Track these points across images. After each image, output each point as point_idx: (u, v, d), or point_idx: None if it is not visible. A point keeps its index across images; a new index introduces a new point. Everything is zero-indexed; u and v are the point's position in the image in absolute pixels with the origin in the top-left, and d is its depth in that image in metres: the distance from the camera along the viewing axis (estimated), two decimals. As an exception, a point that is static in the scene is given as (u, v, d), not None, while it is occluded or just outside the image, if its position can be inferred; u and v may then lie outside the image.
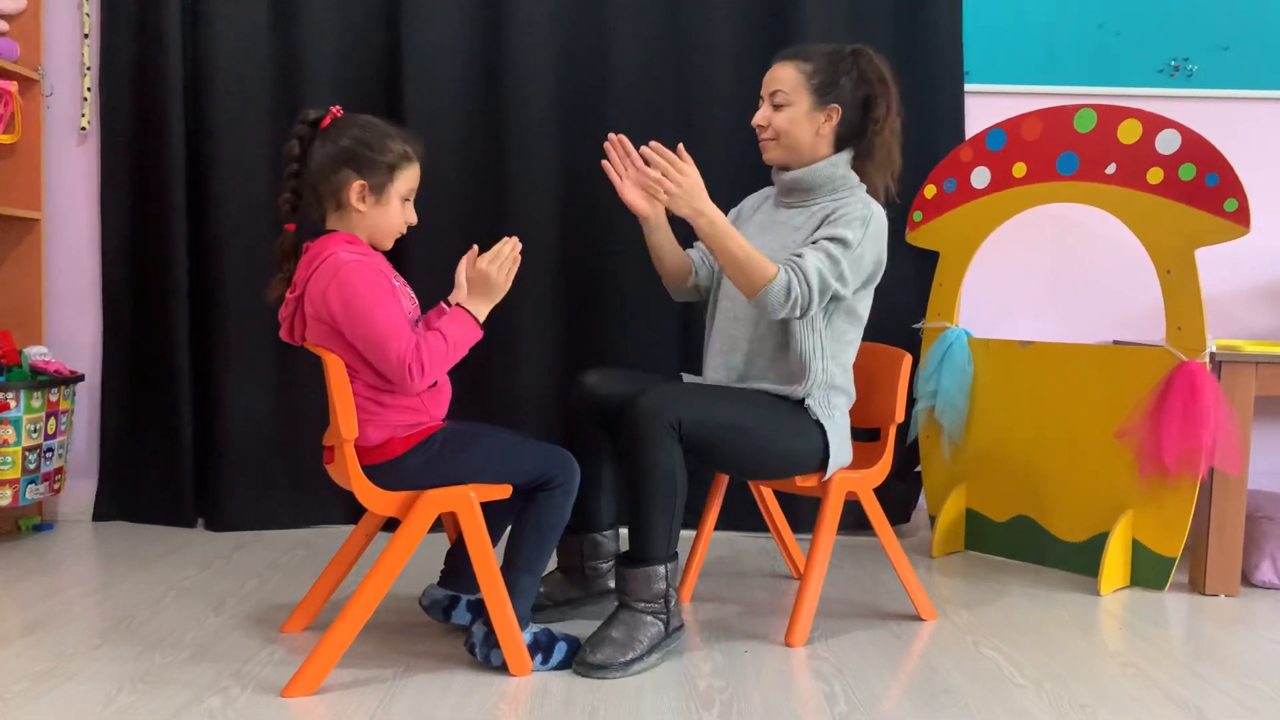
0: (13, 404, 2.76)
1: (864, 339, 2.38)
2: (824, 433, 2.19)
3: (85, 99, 3.14)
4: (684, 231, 2.37)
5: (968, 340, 3.00)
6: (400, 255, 2.90)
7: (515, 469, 2.01)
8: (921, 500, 3.21)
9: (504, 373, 3.10)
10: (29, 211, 3.04)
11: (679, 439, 2.04)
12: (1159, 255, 2.65)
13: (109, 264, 3.14)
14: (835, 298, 2.16)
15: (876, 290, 2.30)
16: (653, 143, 2.11)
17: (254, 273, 2.97)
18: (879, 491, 2.38)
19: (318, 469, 2.89)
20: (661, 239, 2.36)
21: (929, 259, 3.11)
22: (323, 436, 2.09)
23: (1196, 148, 2.58)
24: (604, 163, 2.30)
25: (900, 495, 3.18)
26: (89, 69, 3.13)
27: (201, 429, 3.12)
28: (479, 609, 2.00)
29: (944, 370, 2.98)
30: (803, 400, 2.20)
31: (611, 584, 2.30)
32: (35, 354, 2.94)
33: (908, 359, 2.37)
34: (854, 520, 2.96)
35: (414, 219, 2.02)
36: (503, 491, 2.01)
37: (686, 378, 2.42)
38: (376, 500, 1.94)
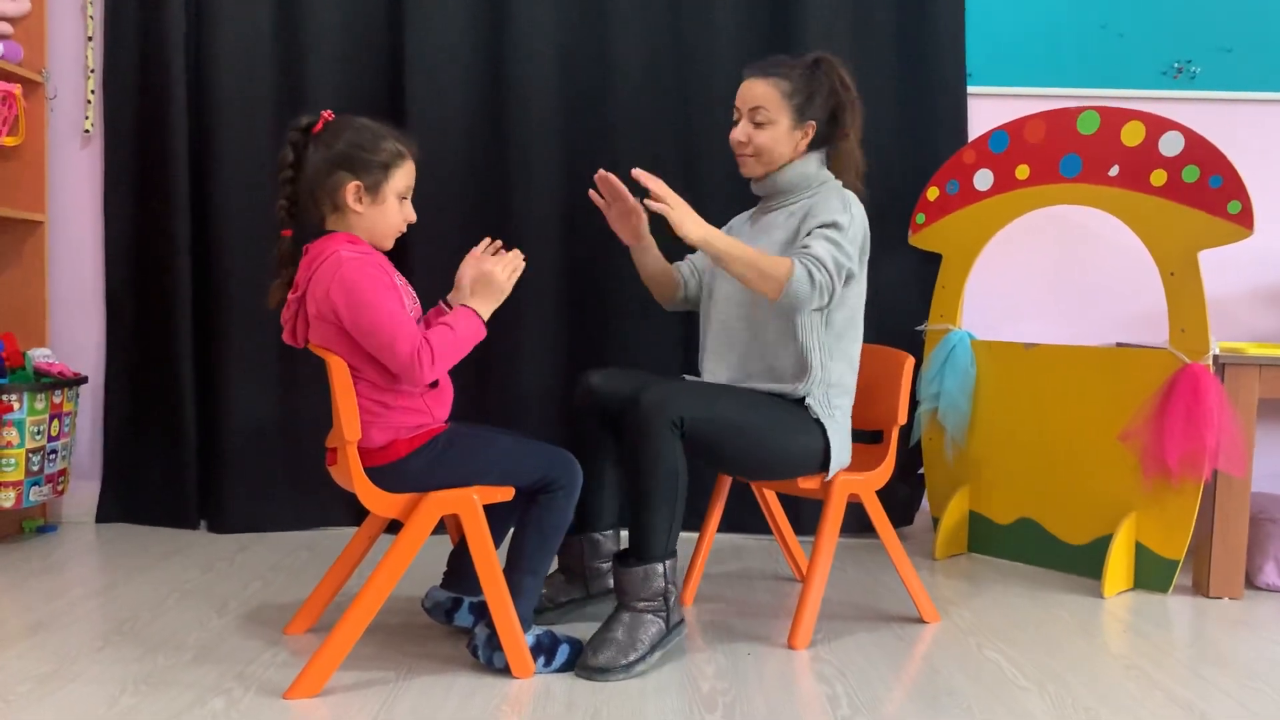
0: (16, 406, 2.76)
1: (867, 341, 2.38)
2: (824, 432, 2.19)
3: (89, 102, 3.15)
4: (670, 250, 2.40)
5: (971, 342, 2.99)
6: (402, 255, 2.90)
7: (518, 471, 2.01)
8: (924, 502, 3.21)
9: (506, 373, 3.10)
10: (32, 214, 3.05)
11: (681, 436, 2.04)
12: (1162, 257, 2.64)
13: (112, 266, 3.15)
14: (849, 276, 2.19)
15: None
16: (635, 170, 2.13)
17: (257, 275, 2.97)
18: (882, 494, 2.38)
19: (320, 471, 2.89)
20: (650, 259, 2.44)
21: (932, 261, 3.11)
22: (325, 438, 2.10)
23: (1200, 150, 2.58)
24: (591, 193, 2.37)
25: (903, 497, 3.17)
26: (93, 72, 3.14)
27: (204, 431, 3.13)
28: (482, 611, 2.00)
29: (947, 372, 2.98)
30: (803, 399, 2.20)
31: (611, 584, 2.30)
32: (39, 356, 2.94)
33: (910, 361, 2.37)
34: (857, 522, 2.96)
35: (413, 217, 2.02)
36: (505, 493, 2.01)
37: (688, 379, 2.42)
38: (379, 502, 1.94)
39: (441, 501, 1.95)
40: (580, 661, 2.01)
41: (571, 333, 3.16)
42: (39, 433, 2.83)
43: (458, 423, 2.07)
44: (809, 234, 2.17)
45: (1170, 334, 2.61)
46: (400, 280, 1.98)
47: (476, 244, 3.04)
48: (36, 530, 3.06)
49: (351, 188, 1.93)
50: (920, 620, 2.39)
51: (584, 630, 2.15)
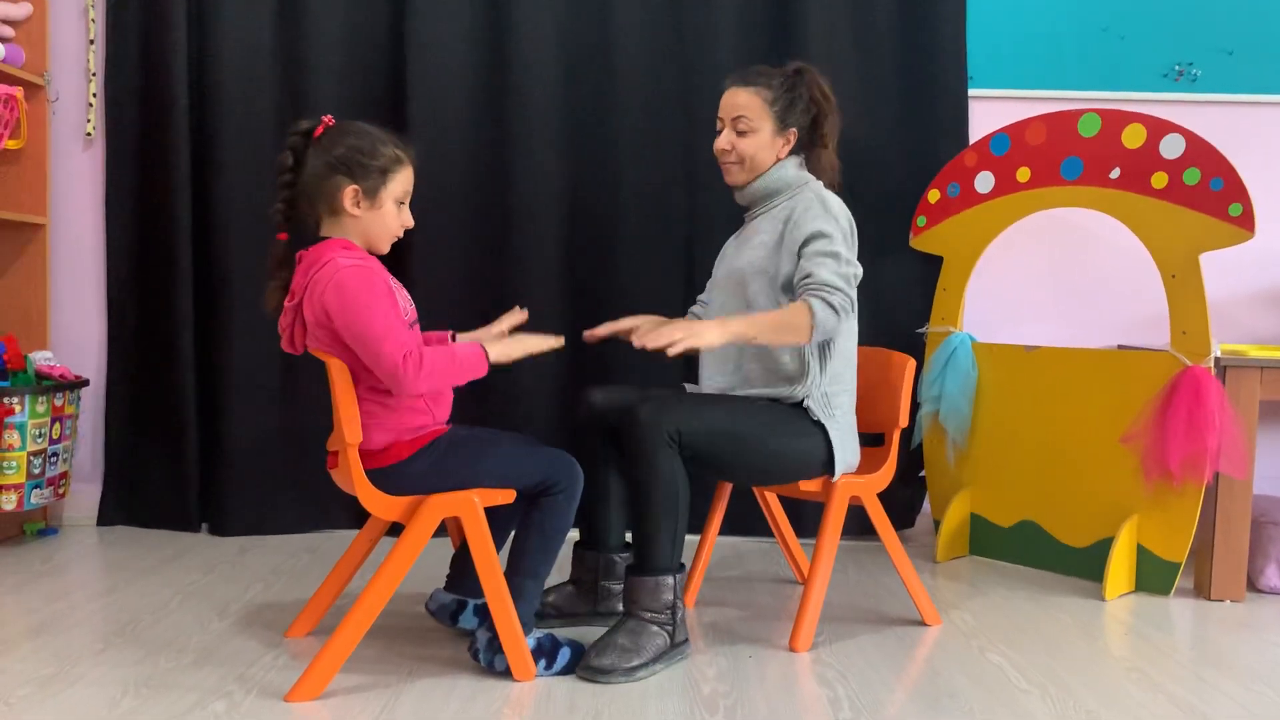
0: (18, 409, 2.77)
1: (867, 344, 2.38)
2: (825, 434, 2.19)
3: (90, 105, 3.15)
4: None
5: (972, 345, 2.99)
6: (403, 260, 2.91)
7: (519, 473, 2.01)
8: (926, 505, 3.21)
9: (507, 378, 3.09)
10: (34, 216, 3.05)
11: (679, 449, 2.04)
12: (1163, 260, 2.64)
13: (114, 269, 3.15)
14: (857, 278, 2.20)
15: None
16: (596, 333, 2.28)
17: (258, 277, 2.93)
18: (883, 496, 2.38)
19: (322, 473, 2.88)
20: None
21: (933, 263, 3.11)
22: (326, 441, 2.10)
23: (1201, 152, 2.58)
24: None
25: (904, 500, 3.17)
26: (94, 75, 3.14)
27: (206, 434, 3.13)
28: (485, 613, 2.00)
29: (948, 375, 2.97)
30: (801, 402, 2.20)
31: (620, 606, 2.29)
32: (40, 359, 2.95)
33: (911, 364, 2.37)
34: (858, 525, 2.95)
35: (410, 222, 2.03)
36: (506, 496, 2.01)
37: (689, 388, 2.42)
38: (380, 505, 1.94)
39: (442, 504, 1.95)
40: (583, 662, 2.01)
41: (572, 336, 3.14)
42: (40, 436, 2.83)
43: (459, 425, 2.07)
44: (802, 256, 2.17)
45: (1171, 336, 2.61)
46: (395, 284, 1.98)
47: (475, 250, 3.07)
48: (38, 533, 3.06)
49: (349, 192, 1.93)
50: (921, 623, 2.39)
51: (586, 635, 2.15)
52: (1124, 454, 2.67)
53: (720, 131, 2.33)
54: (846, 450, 2.24)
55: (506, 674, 1.98)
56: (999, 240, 3.03)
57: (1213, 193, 2.55)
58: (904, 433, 2.65)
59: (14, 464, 2.78)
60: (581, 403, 2.32)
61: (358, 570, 2.25)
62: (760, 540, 3.14)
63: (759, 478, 2.26)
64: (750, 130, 2.27)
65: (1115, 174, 2.73)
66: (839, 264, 2.15)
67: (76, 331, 3.20)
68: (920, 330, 3.13)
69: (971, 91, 3.17)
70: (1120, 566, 2.63)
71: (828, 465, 2.22)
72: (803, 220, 2.21)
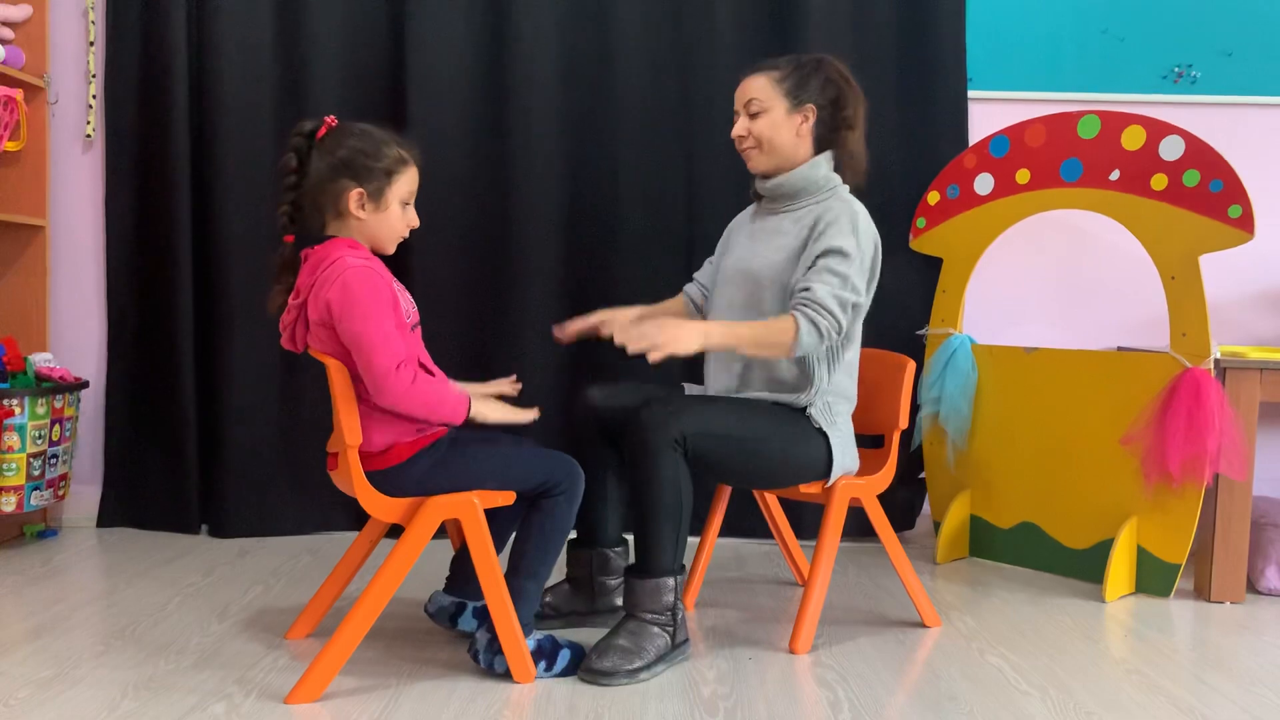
0: (17, 410, 2.76)
1: (868, 345, 2.37)
2: (827, 440, 2.19)
3: (90, 106, 3.15)
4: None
5: (971, 347, 2.99)
6: (402, 261, 2.91)
7: (519, 475, 2.01)
8: (926, 507, 3.21)
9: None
10: (34, 218, 3.05)
11: (684, 453, 2.04)
12: (1163, 261, 2.65)
13: (114, 271, 3.15)
14: (856, 307, 2.17)
15: (879, 296, 2.30)
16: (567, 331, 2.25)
17: (258, 279, 2.98)
18: (883, 498, 2.38)
19: (322, 475, 2.89)
20: (662, 316, 2.42)
21: (932, 265, 3.11)
22: (326, 442, 2.10)
23: (1200, 154, 2.58)
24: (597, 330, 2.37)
25: (904, 502, 3.17)
26: (94, 77, 3.14)
27: (206, 435, 3.13)
28: (485, 615, 1.99)
29: (948, 376, 2.98)
30: (805, 409, 2.20)
31: (618, 602, 2.30)
32: (40, 361, 2.95)
33: (911, 365, 2.37)
34: (858, 527, 2.96)
35: (415, 221, 2.03)
36: (506, 498, 2.01)
37: (689, 388, 2.42)
38: (380, 506, 1.94)
39: (442, 506, 1.95)
40: (584, 664, 2.00)
41: (572, 343, 3.15)
42: (40, 437, 2.83)
43: (459, 427, 2.07)
44: (812, 265, 2.15)
45: (1171, 338, 2.61)
46: (399, 287, 1.98)
47: (475, 252, 3.07)
48: (37, 535, 3.05)
49: (354, 194, 1.93)
50: (921, 625, 2.39)
51: (586, 637, 2.15)
52: (1124, 456, 2.67)
53: (736, 123, 2.31)
54: (846, 457, 2.24)
55: (506, 676, 1.98)
56: (999, 242, 3.03)
57: (1212, 194, 2.55)
58: (904, 434, 2.65)
59: (14, 466, 2.78)
60: (580, 401, 2.31)
61: (358, 572, 2.25)
62: (760, 542, 3.14)
63: (759, 481, 2.26)
64: (762, 110, 2.25)
65: (1115, 176, 2.73)
66: (843, 287, 2.12)
67: (76, 333, 3.20)
68: (920, 332, 3.13)
69: (971, 93, 3.17)
70: (1120, 568, 2.63)
71: (826, 471, 2.22)
72: (828, 233, 2.17)
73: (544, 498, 2.02)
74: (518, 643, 1.97)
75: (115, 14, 3.09)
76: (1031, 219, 2.99)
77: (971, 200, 3.01)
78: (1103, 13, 3.17)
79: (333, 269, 1.88)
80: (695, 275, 2.54)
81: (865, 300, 2.19)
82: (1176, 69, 3.17)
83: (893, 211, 3.13)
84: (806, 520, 3.07)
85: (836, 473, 2.22)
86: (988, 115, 3.18)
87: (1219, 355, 2.58)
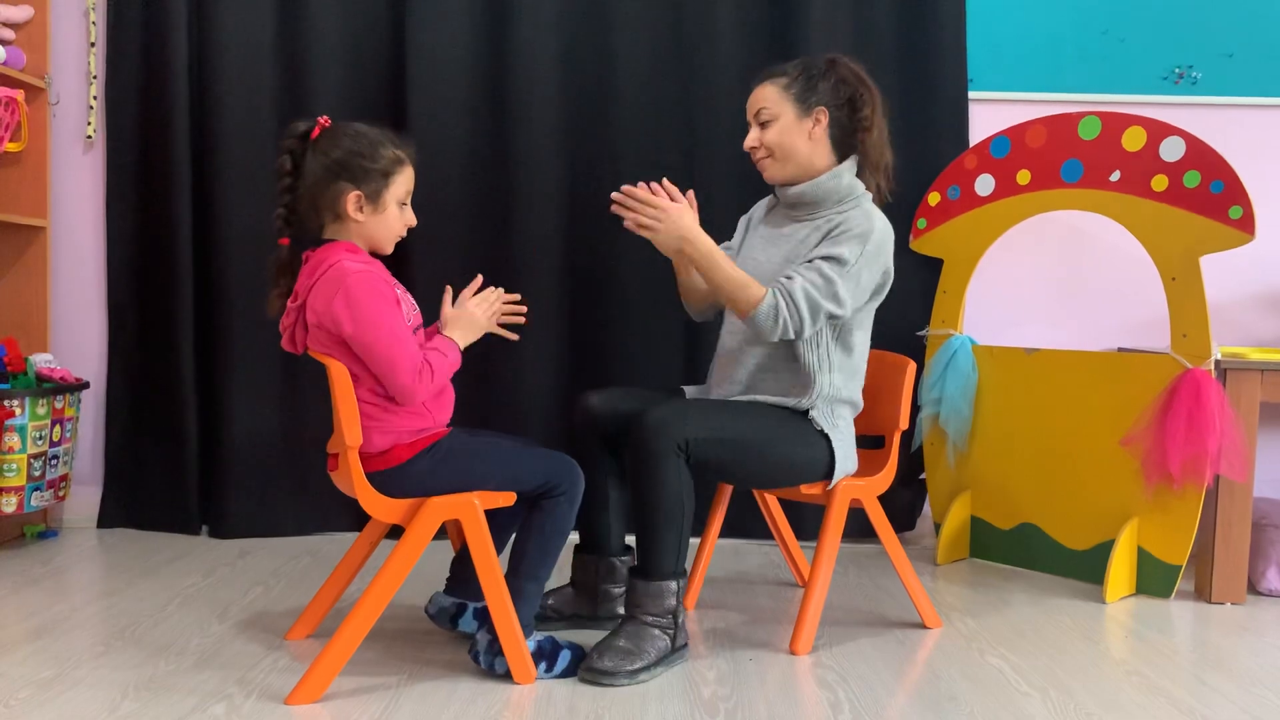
0: (18, 411, 2.77)
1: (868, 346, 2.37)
2: (828, 442, 2.19)
3: (91, 107, 3.15)
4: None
5: (972, 348, 2.99)
6: (402, 262, 2.91)
7: (519, 476, 2.01)
8: (926, 508, 3.21)
9: (508, 380, 3.10)
10: (35, 219, 3.05)
11: (687, 459, 2.04)
12: (1164, 262, 2.65)
13: (114, 272, 3.15)
14: (833, 317, 2.14)
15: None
16: (624, 186, 2.12)
17: (259, 280, 2.96)
18: (884, 499, 2.38)
19: (322, 476, 2.89)
20: (690, 273, 2.38)
21: (933, 266, 3.11)
22: (327, 443, 2.10)
23: (1201, 155, 2.58)
24: (614, 208, 2.21)
25: (905, 503, 3.17)
26: (95, 78, 3.14)
27: (206, 436, 3.13)
28: (485, 616, 2.00)
29: (948, 377, 2.97)
30: (806, 411, 2.20)
31: (621, 610, 2.29)
32: (40, 361, 2.95)
33: (912, 366, 2.37)
34: (858, 528, 2.96)
35: (413, 221, 2.03)
36: (507, 499, 2.01)
37: (690, 390, 2.41)
38: (380, 507, 1.94)
39: (443, 507, 1.95)
40: (585, 664, 2.00)
41: (573, 342, 3.16)
42: (41, 438, 2.83)
43: (459, 428, 2.07)
44: (809, 259, 2.15)
45: (1172, 339, 2.61)
46: (400, 289, 1.98)
47: (476, 252, 3.08)
48: (38, 535, 3.05)
49: (352, 197, 1.93)
50: (922, 625, 2.38)
51: (586, 638, 2.15)
52: (1124, 457, 2.66)
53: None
54: (846, 459, 2.23)
55: (507, 676, 1.98)
56: (999, 243, 3.03)
57: (1213, 195, 2.55)
58: (904, 435, 2.65)
59: (14, 466, 2.78)
60: (579, 407, 2.31)
61: (358, 573, 2.25)
62: (760, 543, 3.14)
63: (761, 482, 2.26)
64: (771, 119, 2.23)
65: (1115, 177, 2.73)
66: (823, 291, 2.10)
67: (77, 334, 3.20)
68: (920, 333, 3.13)
69: (972, 94, 3.17)
70: (1121, 569, 2.63)
71: (827, 472, 2.22)
72: (839, 239, 2.15)
73: (544, 498, 2.02)
74: (518, 644, 1.97)
75: (116, 15, 3.09)
76: (1032, 220, 2.99)
77: (972, 201, 3.01)
78: (1103, 13, 3.17)
79: (330, 274, 1.88)
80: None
81: (845, 314, 2.14)
82: (1177, 70, 3.17)
83: (893, 212, 3.10)
84: (807, 521, 3.07)
85: (838, 475, 2.22)
86: (988, 116, 3.18)
87: (1219, 356, 2.58)
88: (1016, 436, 2.91)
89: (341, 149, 1.93)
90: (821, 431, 2.19)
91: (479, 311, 2.08)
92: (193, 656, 2.09)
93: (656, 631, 2.05)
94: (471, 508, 1.96)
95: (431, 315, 2.11)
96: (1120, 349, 2.98)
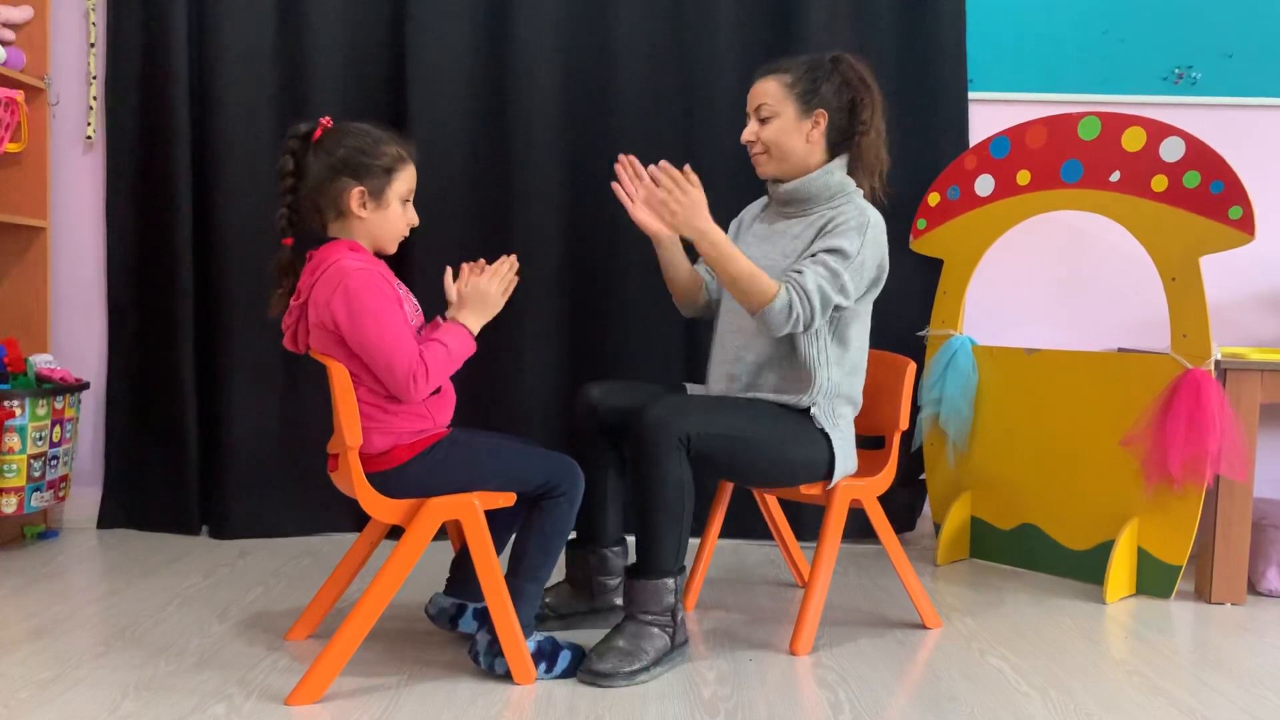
0: (18, 412, 2.77)
1: (869, 346, 2.37)
2: (829, 441, 2.19)
3: (91, 108, 3.15)
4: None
5: (972, 348, 2.99)
6: (403, 261, 2.91)
7: (520, 476, 2.01)
8: (926, 508, 3.21)
9: (508, 379, 3.10)
10: (35, 220, 3.05)
11: (687, 453, 2.04)
12: (1164, 263, 2.65)
13: (114, 272, 3.15)
14: (837, 308, 2.17)
15: (880, 297, 2.30)
16: (662, 162, 2.12)
17: (259, 281, 2.97)
18: (884, 499, 2.38)
19: (322, 476, 2.88)
20: (673, 257, 2.37)
21: (933, 266, 3.11)
22: (327, 444, 2.10)
23: (1201, 155, 2.58)
24: (614, 184, 2.30)
25: (905, 503, 3.17)
26: (95, 78, 3.14)
27: (206, 437, 3.13)
28: (485, 617, 2.00)
29: (948, 378, 2.97)
30: (807, 409, 2.20)
31: (618, 601, 2.29)
32: (41, 362, 2.95)
33: (912, 366, 2.37)
34: (859, 528, 2.96)
35: (415, 220, 2.03)
36: (507, 499, 2.01)
37: (690, 388, 2.42)
38: (381, 508, 1.94)
39: (443, 507, 1.95)
40: (584, 666, 2.00)
41: (573, 340, 3.16)
42: (41, 438, 2.83)
43: (459, 428, 2.07)
44: (811, 254, 2.16)
45: (1172, 339, 2.61)
46: (402, 289, 1.98)
47: (476, 252, 3.06)
48: (38, 536, 3.05)
49: (355, 193, 1.93)
50: (922, 626, 2.38)
51: (586, 638, 2.15)
52: (1124, 457, 2.66)
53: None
54: (847, 459, 2.24)
55: (507, 677, 1.98)
56: (999, 243, 3.03)
57: (1213, 196, 2.55)
58: (904, 436, 2.65)
59: (14, 467, 2.78)
60: (580, 398, 2.31)
61: (358, 573, 2.25)
62: (761, 543, 3.14)
63: (761, 480, 2.26)
64: (772, 116, 2.23)
65: (1115, 177, 2.73)
66: (831, 282, 2.12)
67: (77, 334, 3.20)
68: (920, 333, 3.13)
69: (971, 94, 3.17)
70: (1121, 569, 2.63)
71: (828, 472, 2.22)
72: (835, 233, 2.16)
73: (544, 499, 2.02)
74: (518, 644, 1.97)
75: (116, 16, 3.09)
76: (1032, 220, 2.99)
77: (972, 201, 3.02)
78: (1103, 14, 3.17)
79: (331, 272, 1.88)
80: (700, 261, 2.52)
81: (850, 304, 2.17)
82: (1177, 70, 3.17)
83: (893, 213, 3.10)
84: (807, 522, 3.07)
85: (838, 474, 2.22)
86: (988, 116, 3.18)
87: (1219, 356, 2.58)
88: (1017, 437, 2.91)
89: (345, 147, 1.93)
90: (822, 430, 2.19)
91: (492, 287, 2.03)
92: (193, 657, 2.09)
93: (656, 630, 2.05)
94: (471, 508, 1.96)
95: (432, 312, 2.11)
96: (1120, 349, 2.98)
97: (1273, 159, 3.18)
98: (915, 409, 3.02)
